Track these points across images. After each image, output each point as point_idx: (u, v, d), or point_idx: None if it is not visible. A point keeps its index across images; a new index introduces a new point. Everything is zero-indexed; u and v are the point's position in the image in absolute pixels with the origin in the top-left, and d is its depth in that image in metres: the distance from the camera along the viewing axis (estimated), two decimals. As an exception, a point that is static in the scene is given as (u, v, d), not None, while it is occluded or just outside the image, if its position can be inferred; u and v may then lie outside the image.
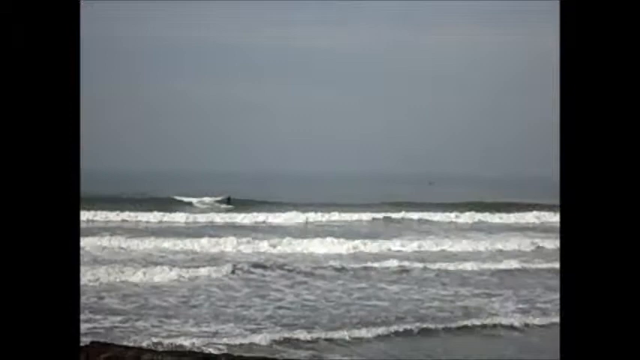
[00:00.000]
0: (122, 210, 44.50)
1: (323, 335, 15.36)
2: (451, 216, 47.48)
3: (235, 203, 57.63)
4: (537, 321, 17.24)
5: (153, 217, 44.15)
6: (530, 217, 48.04)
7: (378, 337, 15.49)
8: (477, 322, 17.00)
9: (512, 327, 16.81)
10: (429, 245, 32.18)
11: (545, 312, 18.20)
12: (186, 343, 14.37)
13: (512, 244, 33.03)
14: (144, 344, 13.85)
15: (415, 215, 47.42)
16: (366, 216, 46.63)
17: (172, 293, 20.20)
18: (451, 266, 25.83)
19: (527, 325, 17.00)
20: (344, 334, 15.47)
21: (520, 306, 19.00)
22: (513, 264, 26.74)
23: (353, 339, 15.26)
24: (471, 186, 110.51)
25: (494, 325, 16.85)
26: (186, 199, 58.60)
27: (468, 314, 17.90)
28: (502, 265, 26.33)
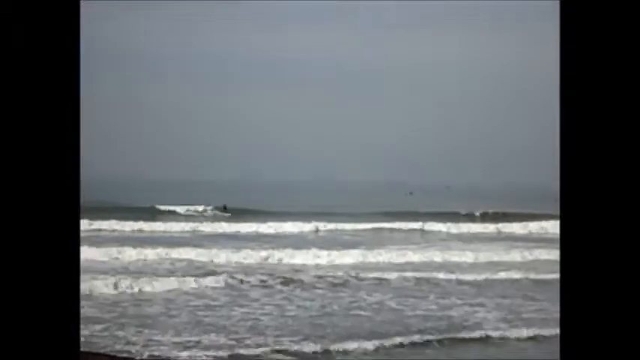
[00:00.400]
0: (117, 219, 44.69)
1: (303, 348, 15.44)
2: (444, 226, 47.75)
3: (231, 211, 58.23)
4: (524, 331, 17.37)
5: (149, 226, 44.45)
6: (521, 227, 48.27)
7: (360, 350, 15.55)
8: (465, 333, 17.12)
9: (500, 338, 16.92)
10: (415, 256, 32.28)
11: (531, 322, 18.36)
12: (170, 354, 14.47)
13: (504, 254, 33.22)
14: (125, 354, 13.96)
15: (404, 225, 47.76)
16: (356, 226, 46.86)
17: (159, 303, 20.23)
18: (447, 276, 26.01)
19: (516, 335, 17.11)
20: (326, 345, 15.56)
21: (507, 316, 19.13)
22: (502, 275, 26.92)
23: (338, 351, 15.34)
24: (459, 195, 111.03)
25: (481, 337, 16.94)
26: (179, 208, 58.82)
27: (459, 325, 18.02)
28: (493, 276, 26.49)
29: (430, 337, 16.45)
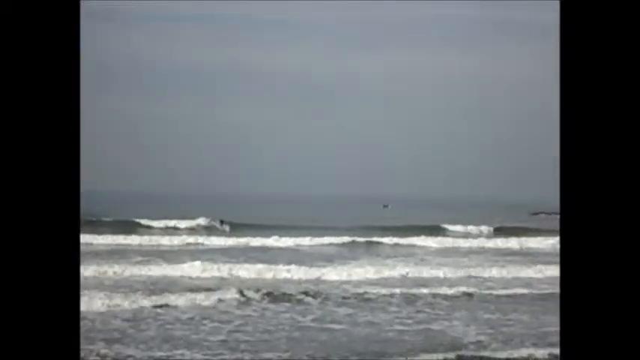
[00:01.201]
0: (116, 233, 44.86)
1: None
2: (419, 240, 47.95)
3: (227, 226, 58.96)
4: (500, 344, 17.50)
5: (148, 240, 44.52)
6: (501, 242, 48.56)
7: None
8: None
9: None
10: (394, 271, 32.25)
11: (511, 336, 18.53)
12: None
13: (484, 268, 33.31)
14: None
15: (384, 239, 47.93)
16: (333, 240, 47.00)
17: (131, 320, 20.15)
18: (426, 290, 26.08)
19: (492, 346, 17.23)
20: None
21: (487, 330, 19.27)
22: (485, 289, 27.02)
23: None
24: (437, 209, 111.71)
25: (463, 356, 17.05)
26: (176, 223, 58.96)
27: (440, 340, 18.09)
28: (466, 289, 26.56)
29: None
